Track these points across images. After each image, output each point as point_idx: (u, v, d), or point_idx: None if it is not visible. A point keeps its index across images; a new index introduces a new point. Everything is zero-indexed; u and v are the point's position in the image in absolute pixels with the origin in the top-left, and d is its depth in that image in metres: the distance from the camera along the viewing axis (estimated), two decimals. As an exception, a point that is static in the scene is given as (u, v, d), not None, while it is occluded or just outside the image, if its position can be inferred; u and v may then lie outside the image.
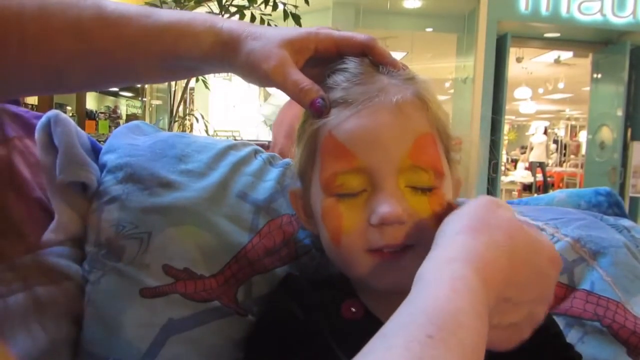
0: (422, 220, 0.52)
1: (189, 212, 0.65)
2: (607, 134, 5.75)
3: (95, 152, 0.76)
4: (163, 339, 0.58)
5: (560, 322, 0.62)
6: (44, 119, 0.72)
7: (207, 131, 3.57)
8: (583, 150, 8.67)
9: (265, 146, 1.74)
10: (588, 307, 0.66)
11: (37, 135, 0.71)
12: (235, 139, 0.86)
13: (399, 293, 0.46)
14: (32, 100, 5.89)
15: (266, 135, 5.74)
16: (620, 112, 5.59)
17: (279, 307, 0.59)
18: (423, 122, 0.53)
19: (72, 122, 0.74)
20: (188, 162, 0.71)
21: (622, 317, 0.65)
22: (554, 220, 0.76)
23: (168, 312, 0.59)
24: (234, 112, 6.21)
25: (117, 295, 0.60)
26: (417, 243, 0.52)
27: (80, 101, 6.37)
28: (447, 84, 6.45)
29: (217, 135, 4.21)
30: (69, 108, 6.77)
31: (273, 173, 0.73)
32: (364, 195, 0.52)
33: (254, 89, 5.97)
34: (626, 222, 0.81)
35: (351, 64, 0.56)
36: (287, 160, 0.77)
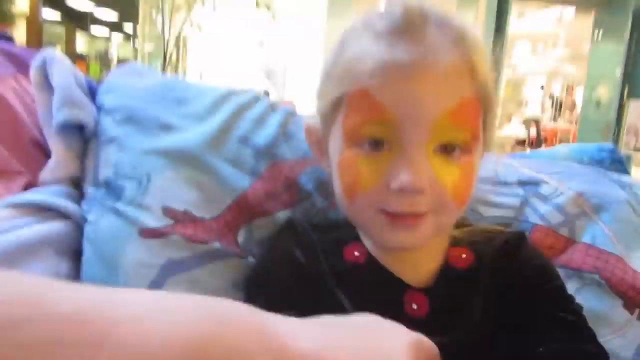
0: (444, 191, 0.49)
1: (190, 155, 0.64)
2: (604, 92, 5.73)
3: (91, 92, 0.74)
4: (162, 279, 0.58)
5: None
6: (39, 58, 0.70)
7: (201, 77, 3.51)
8: (578, 108, 8.64)
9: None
10: (588, 259, 0.67)
11: (32, 74, 0.69)
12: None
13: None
14: (21, 41, 5.75)
15: (263, 85, 5.65)
16: (618, 71, 5.55)
17: (280, 248, 0.59)
18: (468, 87, 0.49)
19: (69, 61, 0.72)
20: (188, 105, 0.69)
21: (621, 270, 0.65)
22: (558, 173, 0.76)
23: (167, 253, 0.59)
24: (230, 59, 6.08)
25: (116, 235, 0.59)
26: (435, 210, 0.50)
27: (71, 43, 6.23)
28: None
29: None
30: (59, 50, 6.60)
31: (275, 118, 0.72)
32: (387, 155, 0.49)
33: (251, 36, 5.83)
34: (628, 179, 0.81)
35: (395, 9, 0.49)
36: (288, 107, 0.75)
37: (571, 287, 0.64)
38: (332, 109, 0.52)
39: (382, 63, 0.47)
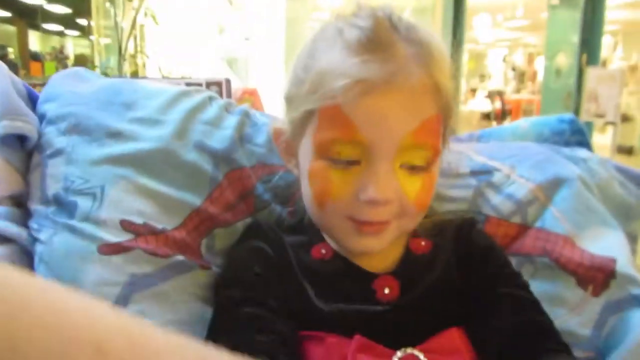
0: (407, 200, 0.53)
1: (144, 163, 0.62)
2: (563, 60, 5.83)
3: (32, 100, 0.70)
4: (127, 296, 0.56)
5: (512, 262, 0.64)
6: (-29, 65, 0.66)
7: (160, 70, 3.43)
8: (539, 77, 8.77)
9: (220, 83, 1.66)
10: (537, 243, 0.69)
11: None
12: (189, 77, 0.81)
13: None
14: (-31, 42, 5.51)
15: (224, 73, 5.55)
16: (575, 39, 5.63)
17: (249, 242, 0.60)
18: (432, 105, 0.52)
19: (5, 67, 0.68)
20: (137, 109, 0.67)
21: (569, 250, 0.67)
22: (511, 157, 0.76)
23: (130, 268, 0.57)
24: (190, 49, 5.96)
25: (74, 253, 0.57)
26: (399, 216, 0.54)
27: (23, 42, 6.03)
28: (407, 13, 6.31)
29: (171, 74, 4.06)
30: (10, 50, 6.38)
31: (231, 121, 0.70)
32: (357, 168, 0.52)
33: (210, 23, 5.72)
34: (583, 154, 0.81)
35: (366, 22, 0.51)
36: (243, 107, 0.73)
37: (525, 273, 0.65)
38: (303, 119, 0.54)
39: (355, 80, 0.49)
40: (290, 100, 0.57)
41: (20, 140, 0.64)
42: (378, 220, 0.53)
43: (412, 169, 0.53)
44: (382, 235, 0.54)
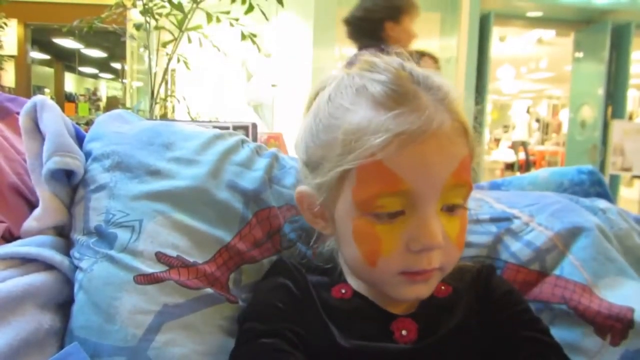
0: (451, 244, 0.55)
1: (180, 200, 0.66)
2: (588, 113, 5.82)
3: (79, 139, 0.75)
4: (158, 324, 0.58)
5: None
6: (29, 103, 0.71)
7: (189, 113, 3.53)
8: (564, 129, 8.76)
9: (247, 128, 1.72)
10: (556, 291, 0.69)
11: (21, 120, 0.70)
12: (217, 120, 0.86)
13: None
14: (9, 82, 5.78)
15: (250, 118, 5.67)
16: (600, 91, 5.64)
17: (274, 279, 0.62)
18: (465, 145, 0.54)
19: (59, 108, 0.73)
20: (175, 149, 0.71)
21: (587, 299, 0.67)
22: (529, 206, 0.78)
23: (162, 299, 0.60)
24: (218, 93, 6.12)
25: (111, 282, 0.60)
26: (444, 263, 0.55)
27: (59, 83, 6.26)
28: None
29: (199, 117, 4.17)
30: (47, 90, 6.65)
31: (261, 163, 0.74)
32: (401, 218, 0.52)
33: (239, 69, 5.88)
34: (602, 204, 0.82)
35: (387, 75, 0.53)
36: (273, 150, 0.78)
37: (544, 320, 0.65)
38: (339, 180, 0.54)
39: (393, 134, 0.50)
40: (316, 164, 0.57)
41: (67, 175, 0.69)
42: (431, 267, 0.53)
43: (451, 210, 0.54)
44: (431, 280, 0.55)
